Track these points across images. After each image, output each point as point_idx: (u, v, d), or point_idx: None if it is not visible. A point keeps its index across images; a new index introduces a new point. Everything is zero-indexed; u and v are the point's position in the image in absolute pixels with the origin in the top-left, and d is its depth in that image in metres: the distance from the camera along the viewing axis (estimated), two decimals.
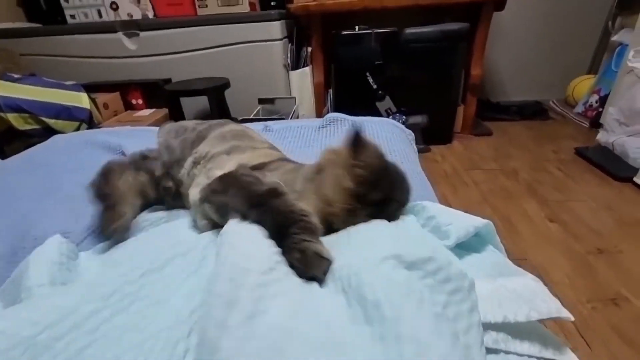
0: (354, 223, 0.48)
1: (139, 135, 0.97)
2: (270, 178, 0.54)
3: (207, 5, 2.04)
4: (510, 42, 2.58)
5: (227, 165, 0.61)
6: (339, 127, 0.94)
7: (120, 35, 2.01)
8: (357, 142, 0.52)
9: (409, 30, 1.82)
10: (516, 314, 0.36)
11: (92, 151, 0.86)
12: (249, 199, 0.48)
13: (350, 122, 0.96)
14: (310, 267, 0.40)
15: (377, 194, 0.49)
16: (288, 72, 2.05)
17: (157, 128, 0.89)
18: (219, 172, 0.57)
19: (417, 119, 1.92)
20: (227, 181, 0.53)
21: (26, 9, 2.40)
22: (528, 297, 0.38)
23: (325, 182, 0.52)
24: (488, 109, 2.49)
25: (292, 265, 0.41)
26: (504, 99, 2.70)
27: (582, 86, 2.44)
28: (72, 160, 0.82)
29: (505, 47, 2.59)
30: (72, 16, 2.16)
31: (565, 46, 2.58)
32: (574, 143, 1.93)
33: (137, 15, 2.11)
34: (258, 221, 0.46)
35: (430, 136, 2.00)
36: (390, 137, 0.87)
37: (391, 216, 0.51)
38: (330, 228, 0.50)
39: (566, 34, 2.54)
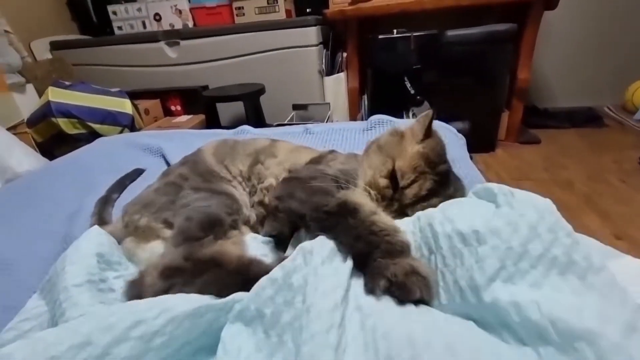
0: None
1: (178, 139, 0.97)
2: (334, 167, 0.53)
3: (244, 14, 2.08)
4: (558, 42, 2.40)
5: (274, 172, 0.61)
6: (385, 129, 0.88)
7: (162, 44, 2.09)
8: (427, 123, 0.51)
9: (450, 33, 1.74)
10: None
11: (133, 153, 0.86)
12: (319, 218, 0.44)
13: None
14: (409, 288, 0.36)
15: (442, 166, 0.49)
16: (322, 77, 2.02)
17: (192, 130, 0.89)
18: (267, 182, 0.59)
19: (458, 125, 1.81)
20: (292, 185, 0.51)
21: (79, 23, 2.58)
22: None
23: (389, 143, 0.52)
24: (534, 115, 2.33)
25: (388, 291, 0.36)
26: (551, 105, 2.51)
27: None
28: (113, 161, 0.83)
29: (552, 48, 2.42)
30: (120, 27, 2.28)
31: (619, 47, 2.37)
32: (637, 152, 1.74)
33: (178, 25, 2.19)
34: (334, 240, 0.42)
35: (472, 144, 1.88)
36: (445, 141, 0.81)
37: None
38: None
39: (621, 34, 2.33)
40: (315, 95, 2.04)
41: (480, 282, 0.34)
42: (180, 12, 2.19)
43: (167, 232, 0.51)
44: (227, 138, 0.75)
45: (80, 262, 0.45)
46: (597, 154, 1.82)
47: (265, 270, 0.40)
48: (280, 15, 2.01)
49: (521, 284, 0.33)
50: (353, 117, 2.14)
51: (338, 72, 2.07)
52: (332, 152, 0.66)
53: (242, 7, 2.07)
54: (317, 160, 0.61)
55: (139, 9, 2.22)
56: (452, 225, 0.38)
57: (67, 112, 1.56)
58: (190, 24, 2.20)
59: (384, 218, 0.42)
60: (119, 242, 0.55)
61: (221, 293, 0.39)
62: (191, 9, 2.18)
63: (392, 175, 0.48)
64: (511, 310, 0.31)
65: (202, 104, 2.01)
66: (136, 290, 0.43)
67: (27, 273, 0.54)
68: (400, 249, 0.39)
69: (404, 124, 0.56)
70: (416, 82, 1.86)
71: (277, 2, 2.00)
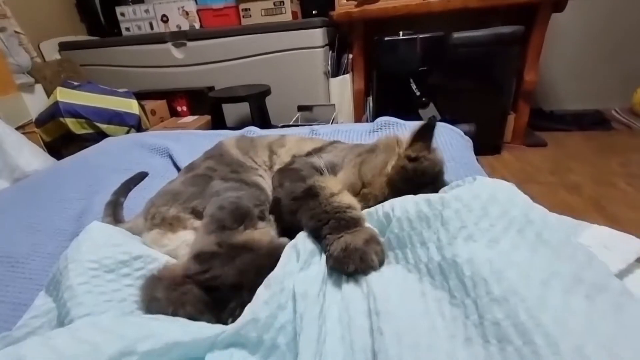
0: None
1: (184, 140, 0.97)
2: (326, 158, 0.55)
3: (251, 15, 2.09)
4: (565, 45, 2.38)
5: (284, 160, 0.64)
6: (391, 131, 0.88)
7: (169, 45, 2.11)
8: (424, 136, 0.50)
9: (457, 35, 1.73)
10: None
11: (140, 152, 0.87)
12: (287, 204, 0.48)
13: (400, 125, 0.91)
14: (345, 263, 0.39)
15: (406, 189, 0.47)
16: (328, 79, 2.03)
17: (199, 131, 0.88)
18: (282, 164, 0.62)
19: (464, 127, 1.80)
20: (285, 175, 0.55)
21: (88, 24, 2.61)
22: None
23: (370, 162, 0.52)
24: (540, 117, 2.31)
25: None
26: (557, 108, 2.49)
27: None
28: (120, 161, 0.83)
29: (559, 50, 2.40)
30: (127, 29, 2.30)
31: (627, 50, 2.34)
32: None
33: (185, 27, 2.21)
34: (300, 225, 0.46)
35: (478, 146, 1.86)
36: (451, 142, 0.81)
37: None
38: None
39: (628, 37, 2.30)
40: (321, 96, 2.04)
41: (444, 240, 0.36)
42: (187, 13, 2.21)
43: (196, 222, 0.51)
44: (244, 134, 0.77)
45: (82, 258, 0.44)
46: (604, 158, 1.80)
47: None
48: (287, 17, 2.02)
49: (481, 242, 0.35)
50: (358, 118, 2.14)
51: (344, 74, 2.07)
52: (334, 142, 0.68)
53: (249, 9, 2.08)
54: (318, 150, 0.64)
55: (147, 11, 2.24)
56: (421, 195, 0.42)
57: (75, 112, 1.58)
58: (197, 26, 2.21)
59: (342, 197, 0.45)
60: (140, 236, 0.54)
61: (259, 273, 0.41)
62: (198, 11, 2.20)
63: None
64: (465, 266, 0.34)
65: (208, 105, 2.02)
66: (160, 283, 0.43)
67: (36, 271, 0.55)
68: (346, 224, 0.42)
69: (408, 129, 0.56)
70: (422, 84, 1.86)
71: (283, 4, 2.01)
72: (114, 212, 0.63)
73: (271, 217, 0.53)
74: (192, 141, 0.94)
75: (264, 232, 0.49)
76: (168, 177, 0.68)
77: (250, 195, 0.53)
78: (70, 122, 1.59)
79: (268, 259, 0.42)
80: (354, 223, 0.42)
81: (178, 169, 0.78)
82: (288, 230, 0.50)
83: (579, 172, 1.67)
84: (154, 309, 0.40)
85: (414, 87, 1.85)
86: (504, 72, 1.78)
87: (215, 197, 0.52)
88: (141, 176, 0.75)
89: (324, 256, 0.42)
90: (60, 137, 1.68)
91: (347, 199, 0.45)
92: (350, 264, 0.39)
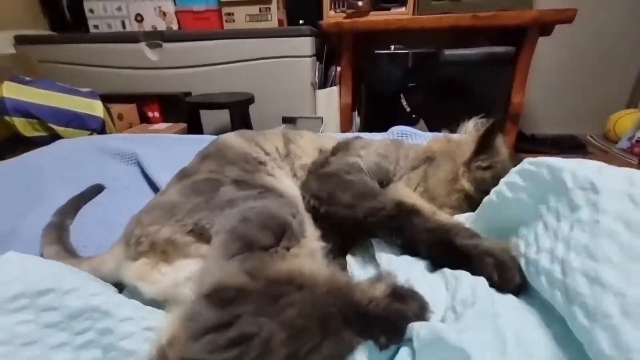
0: None
1: (156, 144, 0.82)
2: (367, 158, 0.48)
3: (234, 20, 1.97)
4: (543, 69, 2.45)
5: (306, 150, 0.55)
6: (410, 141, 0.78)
7: (142, 45, 1.93)
8: (488, 138, 0.47)
9: (448, 52, 1.71)
10: None
11: (100, 159, 0.70)
12: (381, 223, 0.39)
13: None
14: (511, 272, 0.31)
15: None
16: (315, 90, 1.93)
17: (175, 135, 0.74)
18: (303, 160, 0.53)
19: None
20: (330, 183, 0.44)
21: (50, 19, 2.38)
22: None
23: (437, 176, 0.47)
24: (522, 140, 2.34)
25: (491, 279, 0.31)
26: (536, 131, 2.55)
27: (625, 121, 2.28)
28: (73, 168, 0.66)
29: (538, 75, 2.47)
30: (96, 26, 2.11)
31: (602, 78, 2.46)
32: None
33: (162, 28, 2.05)
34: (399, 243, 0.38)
35: None
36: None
37: None
38: None
39: (603, 65, 2.43)
40: (307, 108, 1.94)
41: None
42: (164, 14, 2.05)
43: (203, 247, 0.35)
44: (243, 130, 0.65)
45: None
46: None
47: (370, 296, 0.28)
48: (273, 23, 1.92)
49: None
50: (344, 133, 2.05)
51: (331, 86, 1.99)
52: (358, 138, 0.60)
53: (232, 14, 1.96)
54: (345, 147, 0.55)
55: (119, 8, 2.06)
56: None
57: (25, 110, 1.36)
58: (175, 28, 2.06)
59: (447, 217, 0.40)
60: (109, 279, 0.37)
61: (324, 330, 0.24)
62: (177, 12, 2.05)
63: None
64: None
65: (183, 111, 1.85)
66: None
67: None
68: (476, 232, 0.36)
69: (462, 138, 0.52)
70: (411, 100, 1.81)
71: (269, 10, 1.91)
72: (60, 239, 0.45)
73: (316, 232, 0.41)
74: (165, 146, 0.79)
75: (312, 252, 0.35)
76: (133, 190, 0.54)
77: (282, 202, 0.38)
78: (19, 122, 1.37)
79: (332, 305, 0.26)
80: (477, 235, 0.36)
81: (148, 179, 0.62)
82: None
83: None
84: None
85: (404, 103, 1.79)
86: (494, 92, 1.78)
87: (230, 208, 0.36)
88: (95, 190, 0.58)
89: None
90: (6, 139, 1.44)
91: (448, 217, 0.40)
92: (517, 275, 0.31)
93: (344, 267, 0.40)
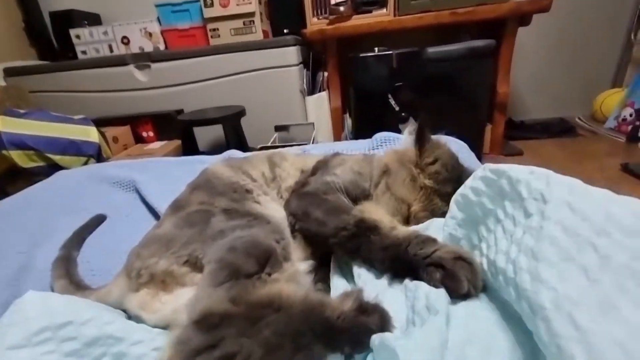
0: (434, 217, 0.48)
1: (152, 169, 0.85)
2: (343, 176, 0.51)
3: (219, 35, 2.00)
4: (527, 58, 2.50)
5: (290, 172, 0.58)
6: (392, 146, 0.81)
7: (131, 67, 1.96)
8: (422, 137, 0.53)
9: (431, 50, 1.74)
10: None
11: (98, 188, 0.73)
12: (341, 243, 0.41)
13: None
14: (458, 282, 0.32)
15: (450, 186, 0.50)
16: (304, 97, 1.96)
17: (169, 159, 0.77)
18: (288, 182, 0.57)
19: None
20: (307, 201, 0.48)
21: (39, 49, 2.41)
22: None
23: (397, 183, 0.52)
24: (512, 127, 2.38)
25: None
26: (525, 117, 2.59)
27: (611, 100, 2.32)
28: (74, 199, 0.69)
29: (522, 63, 2.51)
30: (84, 52, 2.14)
31: (584, 61, 2.50)
32: (616, 159, 1.78)
33: (149, 49, 2.08)
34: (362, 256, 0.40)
35: None
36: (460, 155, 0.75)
37: None
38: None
39: (585, 49, 2.47)
40: (298, 115, 1.97)
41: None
42: (150, 34, 2.09)
43: (197, 276, 0.39)
44: (230, 156, 0.67)
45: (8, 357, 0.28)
46: (579, 163, 1.85)
47: (339, 312, 0.31)
48: (257, 36, 1.95)
49: None
50: (337, 136, 2.08)
51: (319, 92, 2.02)
52: (336, 155, 0.63)
53: (217, 29, 1.99)
54: (323, 164, 0.58)
55: (105, 32, 2.09)
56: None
57: (20, 143, 1.38)
58: (162, 47, 2.09)
59: (405, 230, 0.41)
60: (115, 307, 0.41)
61: (296, 346, 0.28)
62: (162, 32, 2.08)
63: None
64: None
65: (177, 129, 1.88)
66: None
67: None
68: (431, 238, 0.37)
69: (404, 145, 0.59)
70: (400, 99, 1.84)
71: (253, 23, 1.95)
72: (68, 273, 0.48)
73: (301, 253, 0.45)
74: (161, 170, 0.81)
75: (291, 277, 0.38)
76: (134, 217, 0.56)
77: (267, 229, 0.42)
78: (16, 155, 1.39)
79: (304, 323, 0.30)
80: (433, 240, 0.37)
81: (147, 205, 0.65)
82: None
83: None
84: None
85: (392, 102, 1.82)
86: (478, 84, 1.81)
87: (220, 239, 0.40)
88: (98, 221, 0.61)
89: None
90: (4, 173, 1.47)
91: (406, 229, 0.40)
92: (464, 282, 0.32)
93: (326, 281, 0.43)
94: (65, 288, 0.45)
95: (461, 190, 0.38)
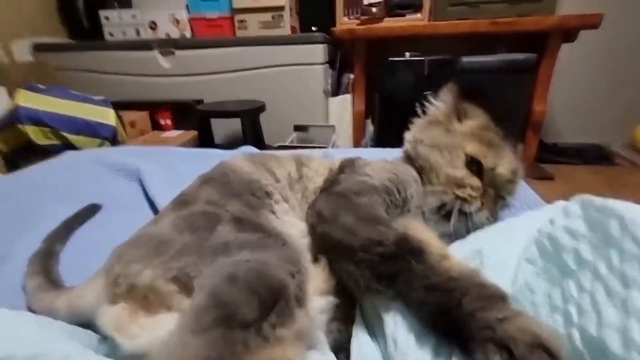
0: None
1: (162, 159, 0.79)
2: (379, 175, 0.44)
3: (247, 27, 1.96)
4: (565, 75, 2.35)
5: (319, 171, 0.52)
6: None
7: (155, 52, 1.94)
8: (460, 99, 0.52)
9: (466, 59, 1.65)
10: None
11: (101, 174, 0.68)
12: (371, 263, 0.32)
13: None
14: None
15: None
16: (327, 98, 1.89)
17: (183, 150, 0.71)
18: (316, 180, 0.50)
19: None
20: (337, 202, 0.40)
21: (70, 27, 2.43)
22: None
23: (440, 136, 0.50)
24: (543, 150, 2.24)
25: None
26: (557, 140, 2.45)
27: None
28: (74, 184, 0.64)
29: (560, 83, 2.37)
30: (111, 34, 2.13)
31: (628, 85, 2.34)
32: None
33: (175, 35, 2.06)
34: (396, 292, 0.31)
35: None
36: None
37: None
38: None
39: (631, 72, 2.31)
40: (319, 116, 1.90)
41: None
42: (177, 21, 2.06)
43: (185, 301, 0.31)
44: (251, 151, 0.60)
45: None
46: (617, 194, 1.69)
47: None
48: (285, 30, 1.90)
49: None
50: (357, 142, 2.00)
51: (343, 94, 1.95)
52: (358, 158, 0.56)
53: (245, 20, 1.95)
54: (349, 164, 0.52)
55: (134, 16, 2.08)
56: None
57: (37, 119, 1.36)
58: (188, 35, 2.07)
59: (459, 265, 0.30)
60: (88, 315, 0.33)
61: None
62: (190, 19, 2.06)
63: (472, 163, 0.46)
64: None
65: (195, 119, 1.84)
66: None
67: None
68: (499, 294, 0.27)
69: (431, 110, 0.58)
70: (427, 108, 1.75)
71: (282, 18, 1.89)
72: (45, 270, 0.42)
73: (321, 285, 0.35)
74: (172, 161, 0.76)
75: (301, 333, 0.28)
76: (132, 210, 0.51)
77: (282, 256, 0.32)
78: (31, 130, 1.37)
79: None
80: (505, 294, 0.27)
81: (149, 198, 0.59)
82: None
83: None
84: None
85: (420, 111, 1.73)
86: (515, 100, 1.70)
87: (223, 255, 0.31)
88: (91, 211, 0.55)
89: None
90: (20, 147, 1.45)
91: (463, 263, 0.31)
92: None
93: (344, 323, 0.35)
94: (38, 287, 0.39)
95: (548, 227, 0.30)
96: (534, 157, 1.89)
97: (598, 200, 0.27)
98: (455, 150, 0.46)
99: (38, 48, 2.04)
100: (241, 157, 0.52)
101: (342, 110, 1.95)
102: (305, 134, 1.84)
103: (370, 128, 2.02)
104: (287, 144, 1.61)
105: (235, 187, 0.44)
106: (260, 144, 1.71)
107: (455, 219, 0.43)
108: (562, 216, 0.29)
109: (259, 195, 0.44)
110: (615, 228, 0.24)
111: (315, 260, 0.39)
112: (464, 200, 0.43)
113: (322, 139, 1.78)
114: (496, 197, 0.46)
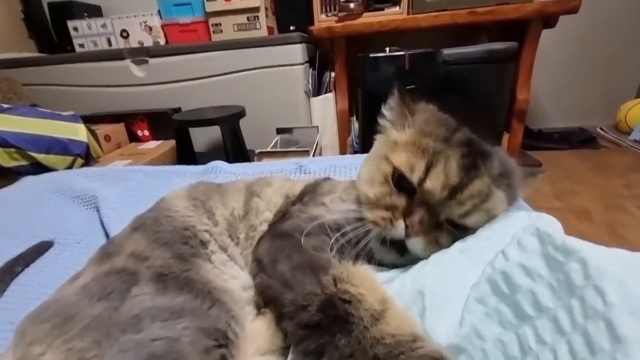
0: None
1: (126, 182, 0.72)
2: (335, 208, 0.39)
3: (222, 31, 1.90)
4: (546, 62, 2.34)
5: (272, 200, 0.46)
6: None
7: (128, 62, 1.87)
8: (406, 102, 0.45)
9: (447, 51, 1.62)
10: None
11: (56, 203, 0.62)
12: (296, 334, 0.28)
13: None
14: None
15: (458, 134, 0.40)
16: (309, 98, 1.85)
17: (147, 168, 0.65)
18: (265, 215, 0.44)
19: None
20: (281, 244, 0.35)
21: (37, 40, 2.33)
22: None
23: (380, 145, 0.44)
24: (529, 136, 2.23)
25: None
26: (542, 126, 2.44)
27: (637, 111, 2.17)
28: (26, 216, 0.58)
29: (541, 67, 2.36)
30: (81, 45, 2.05)
31: (610, 67, 2.35)
32: None
33: (148, 43, 1.99)
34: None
35: None
36: None
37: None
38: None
39: (610, 55, 2.32)
40: (302, 117, 1.86)
41: None
42: (150, 28, 1.99)
43: None
44: (200, 182, 0.53)
45: None
46: (603, 178, 1.71)
47: None
48: (262, 32, 1.84)
49: None
50: (343, 140, 1.96)
51: (325, 93, 1.90)
52: (327, 179, 0.51)
53: (220, 24, 1.89)
54: (312, 190, 0.46)
55: (104, 25, 2.00)
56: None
57: (2, 140, 1.29)
58: (162, 42, 2.00)
59: (394, 319, 0.26)
60: None
61: None
62: (163, 26, 1.99)
63: (396, 177, 0.38)
64: None
65: (173, 129, 1.78)
66: None
67: None
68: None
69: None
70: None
71: (257, 19, 1.84)
72: None
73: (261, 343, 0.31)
74: (136, 184, 0.70)
75: None
76: (87, 245, 0.46)
77: (200, 328, 0.28)
78: None
79: None
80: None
81: (105, 230, 0.54)
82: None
83: (585, 196, 1.55)
84: None
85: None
86: (497, 90, 1.68)
87: (131, 333, 0.27)
88: (40, 249, 0.50)
89: None
90: None
91: (403, 320, 0.26)
92: None
93: None
94: None
95: (501, 263, 0.25)
96: (520, 145, 1.87)
97: (558, 238, 0.23)
98: (379, 162, 0.39)
99: (4, 64, 1.95)
100: (181, 194, 0.47)
101: (325, 109, 1.90)
102: (289, 136, 1.79)
103: (355, 126, 1.98)
104: (269, 149, 1.56)
105: (166, 235, 0.39)
106: (241, 150, 1.66)
107: (377, 249, 0.36)
108: (517, 249, 0.25)
109: (192, 244, 0.39)
110: (578, 274, 0.20)
111: (261, 313, 0.34)
112: (374, 224, 0.36)
113: (306, 140, 1.74)
114: (442, 222, 0.36)
